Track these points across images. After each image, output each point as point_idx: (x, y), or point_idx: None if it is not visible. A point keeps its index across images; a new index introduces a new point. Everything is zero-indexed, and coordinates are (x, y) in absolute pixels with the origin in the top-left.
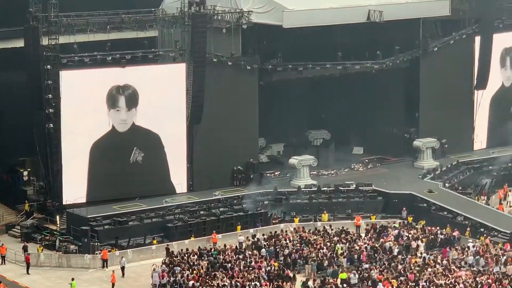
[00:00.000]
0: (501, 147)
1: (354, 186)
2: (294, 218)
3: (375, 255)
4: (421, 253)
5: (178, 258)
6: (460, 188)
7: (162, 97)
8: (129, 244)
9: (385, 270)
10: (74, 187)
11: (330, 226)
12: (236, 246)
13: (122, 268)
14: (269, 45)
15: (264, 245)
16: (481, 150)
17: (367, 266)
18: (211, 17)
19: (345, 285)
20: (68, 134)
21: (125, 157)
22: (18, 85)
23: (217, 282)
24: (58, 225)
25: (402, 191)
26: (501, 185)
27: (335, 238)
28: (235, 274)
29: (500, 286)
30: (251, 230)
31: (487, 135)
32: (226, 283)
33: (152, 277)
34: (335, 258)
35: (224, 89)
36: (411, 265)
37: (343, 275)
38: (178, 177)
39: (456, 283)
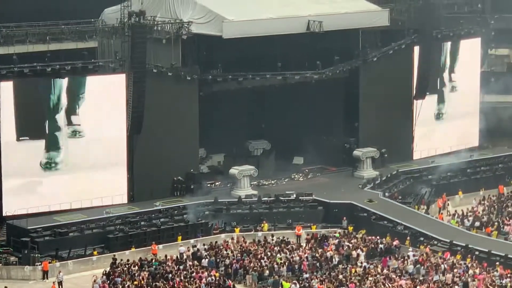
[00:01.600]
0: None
1: (295, 196)
2: (235, 228)
3: (316, 264)
4: (362, 263)
5: (119, 269)
6: (400, 197)
7: (102, 107)
8: (69, 255)
9: (326, 280)
10: (14, 198)
11: (272, 236)
12: (177, 256)
13: (60, 283)
14: (209, 56)
15: (205, 255)
16: (420, 160)
17: (307, 275)
18: (151, 27)
19: None
20: (8, 145)
21: None
22: None
23: None
24: None
25: (343, 200)
26: (440, 194)
27: (276, 248)
28: (176, 285)
29: None
30: (192, 241)
31: None
32: None
33: None
34: (276, 268)
35: (164, 100)
36: (352, 274)
37: (287, 285)
38: (119, 187)
39: None
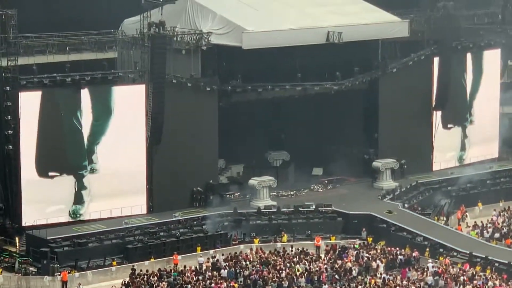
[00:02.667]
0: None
1: (314, 207)
2: (254, 239)
3: (336, 276)
4: (381, 274)
5: (138, 279)
6: (419, 208)
7: (121, 118)
8: (88, 266)
9: None
10: (34, 209)
11: (291, 247)
12: (196, 267)
13: None
14: (229, 66)
15: (224, 266)
16: (440, 171)
17: (326, 287)
18: (171, 38)
19: None
20: (28, 156)
21: None
22: None
23: None
24: (18, 247)
25: (362, 211)
26: (460, 206)
27: (295, 259)
28: None
29: None
30: (211, 251)
31: None
32: None
33: None
34: (295, 279)
35: (183, 110)
36: (371, 285)
37: None
38: (138, 198)
39: None
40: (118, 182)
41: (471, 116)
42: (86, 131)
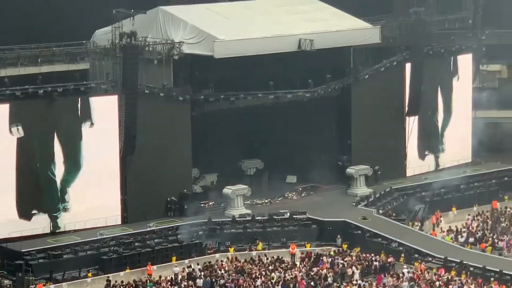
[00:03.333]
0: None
1: (288, 214)
2: (229, 248)
3: (311, 283)
4: (357, 280)
5: None
6: (393, 214)
7: (94, 129)
8: (64, 278)
9: None
10: (6, 221)
11: (265, 255)
12: (172, 277)
13: None
14: (201, 76)
15: (200, 275)
16: (414, 176)
17: None
18: (142, 48)
19: None
20: (2, 167)
21: None
22: None
23: None
24: None
25: (336, 218)
26: (434, 211)
27: (270, 267)
28: None
29: None
30: (186, 261)
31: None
32: None
33: None
34: (271, 287)
35: (156, 120)
36: None
37: None
38: (113, 208)
39: None
40: (92, 193)
41: (443, 145)
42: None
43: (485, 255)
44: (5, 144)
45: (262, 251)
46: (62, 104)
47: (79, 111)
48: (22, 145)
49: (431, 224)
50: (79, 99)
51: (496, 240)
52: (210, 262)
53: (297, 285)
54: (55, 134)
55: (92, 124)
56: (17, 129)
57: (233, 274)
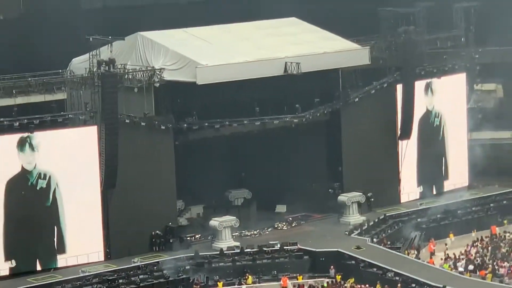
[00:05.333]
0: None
1: (279, 246)
2: (218, 282)
3: None
4: None
5: None
6: (388, 242)
7: (74, 161)
8: None
9: None
10: None
11: None
12: None
13: None
14: (184, 103)
15: None
16: (408, 202)
17: None
18: (122, 76)
19: None
20: None
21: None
22: None
23: None
24: None
25: (329, 248)
26: (431, 238)
27: None
28: None
29: None
30: None
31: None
32: None
33: None
34: None
35: (138, 151)
36: None
37: None
38: (95, 244)
39: None
40: (74, 230)
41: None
42: None
43: (485, 282)
44: None
45: (252, 285)
46: None
47: None
48: None
49: (428, 252)
50: None
51: (496, 267)
52: None
53: None
54: None
55: None
56: None
57: None
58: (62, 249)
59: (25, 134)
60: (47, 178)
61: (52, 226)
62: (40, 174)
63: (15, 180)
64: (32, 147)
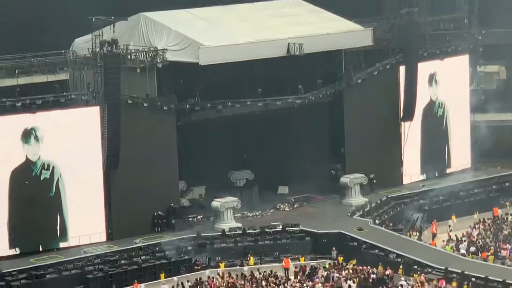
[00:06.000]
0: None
1: (281, 227)
2: (220, 263)
3: None
4: None
5: None
6: (391, 224)
7: (76, 142)
8: None
9: None
10: None
11: (258, 270)
12: None
13: None
14: (186, 84)
15: None
16: (410, 184)
17: None
18: (124, 57)
19: None
20: None
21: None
22: None
23: None
24: None
25: (331, 230)
26: (432, 219)
27: (263, 283)
28: None
29: None
30: (175, 278)
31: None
32: None
33: None
34: None
35: (140, 132)
36: None
37: None
38: (97, 225)
39: None
40: (75, 209)
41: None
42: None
43: (487, 264)
44: None
45: (254, 266)
46: None
47: None
48: None
49: (431, 233)
50: None
51: (498, 249)
52: (200, 278)
53: None
54: None
55: None
56: None
57: None
58: (64, 236)
59: (29, 126)
60: (51, 168)
61: (55, 215)
62: (44, 164)
63: (19, 171)
64: (37, 139)
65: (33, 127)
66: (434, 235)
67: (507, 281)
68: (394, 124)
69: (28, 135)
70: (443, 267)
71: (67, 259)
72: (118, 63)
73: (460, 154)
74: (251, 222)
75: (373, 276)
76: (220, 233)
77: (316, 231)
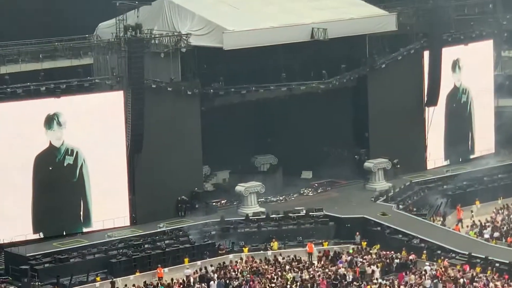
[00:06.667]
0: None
1: (304, 212)
2: (244, 248)
3: (333, 282)
4: (377, 279)
5: None
6: (414, 209)
7: (100, 127)
8: (71, 283)
9: None
10: (12, 225)
11: (280, 254)
12: (183, 279)
13: None
14: (210, 69)
15: (212, 277)
16: (434, 169)
17: None
18: (148, 41)
19: None
20: (2, 169)
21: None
22: None
23: None
24: None
25: (355, 215)
26: (456, 205)
27: (287, 267)
28: None
29: None
30: (199, 262)
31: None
32: None
33: None
34: None
35: (164, 116)
36: None
37: None
38: (121, 209)
39: None
40: (99, 193)
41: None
42: None
43: (511, 250)
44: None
45: (277, 251)
46: None
47: None
48: None
49: (457, 218)
50: None
51: None
52: (224, 263)
53: (315, 285)
54: None
55: None
56: None
57: (248, 275)
58: (87, 222)
59: (52, 112)
60: (74, 154)
61: (78, 199)
62: (67, 150)
63: (43, 156)
64: (59, 124)
65: (56, 112)
66: (459, 221)
67: None
68: (418, 109)
69: (50, 120)
70: (467, 253)
71: (91, 243)
72: (142, 48)
73: (484, 139)
74: (274, 206)
75: (396, 261)
76: (243, 218)
77: (339, 216)
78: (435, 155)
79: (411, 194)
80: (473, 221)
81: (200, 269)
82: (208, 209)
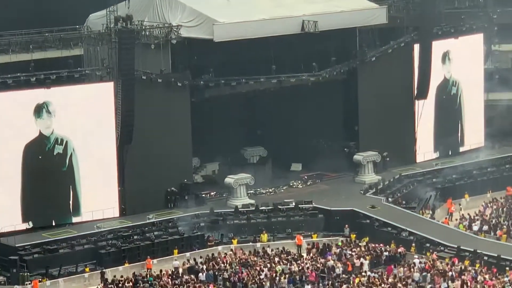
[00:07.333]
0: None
1: (294, 204)
2: (233, 240)
3: (322, 274)
4: (366, 272)
5: (113, 285)
6: (403, 202)
7: (90, 118)
8: (60, 273)
9: None
10: (0, 215)
11: (268, 246)
12: (172, 271)
13: None
14: (200, 60)
15: (202, 269)
16: (424, 162)
17: (309, 287)
18: (139, 32)
19: None
20: None
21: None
22: None
23: None
24: None
25: (344, 207)
26: (445, 198)
27: (276, 259)
28: None
29: None
30: (188, 254)
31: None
32: None
33: None
34: (276, 280)
35: (154, 108)
36: (356, 284)
37: None
38: (110, 200)
39: None
40: (88, 184)
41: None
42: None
43: (499, 243)
44: None
45: (266, 243)
46: None
47: None
48: None
49: (449, 212)
50: None
51: (511, 228)
52: (212, 254)
53: (303, 277)
54: None
55: None
56: None
57: (237, 267)
58: (77, 211)
59: (41, 101)
60: (64, 143)
61: (68, 189)
62: (57, 139)
63: (32, 145)
64: (49, 112)
65: (45, 101)
66: (451, 214)
67: None
68: (408, 102)
69: (40, 109)
70: (456, 246)
71: (80, 234)
72: (133, 39)
73: (474, 133)
74: (264, 198)
75: (385, 253)
76: (233, 210)
77: (329, 208)
78: (425, 148)
79: (400, 187)
80: (462, 214)
81: (189, 261)
82: (198, 201)
